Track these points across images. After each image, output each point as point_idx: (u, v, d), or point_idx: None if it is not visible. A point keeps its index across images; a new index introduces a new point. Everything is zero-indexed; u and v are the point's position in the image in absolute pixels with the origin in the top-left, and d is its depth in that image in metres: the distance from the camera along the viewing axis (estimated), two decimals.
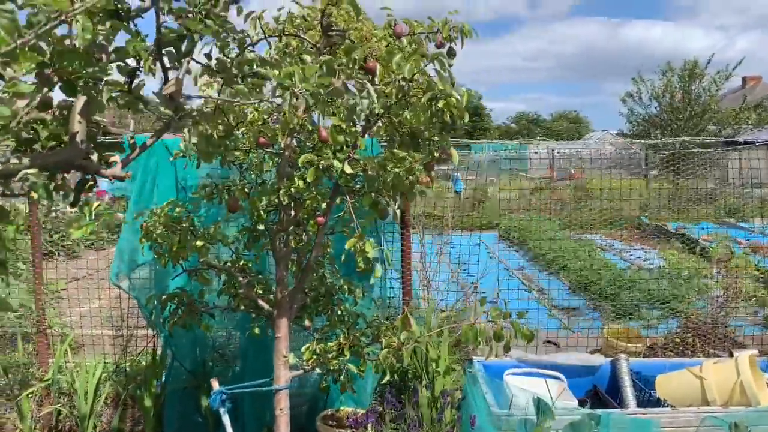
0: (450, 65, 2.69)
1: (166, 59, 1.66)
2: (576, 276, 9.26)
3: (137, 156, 1.74)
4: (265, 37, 3.03)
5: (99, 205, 1.55)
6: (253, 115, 3.00)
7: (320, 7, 2.97)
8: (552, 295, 8.98)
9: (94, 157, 1.90)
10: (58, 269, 6.78)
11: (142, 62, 1.58)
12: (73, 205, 2.01)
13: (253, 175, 3.31)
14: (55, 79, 1.49)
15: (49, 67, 1.34)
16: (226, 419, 3.14)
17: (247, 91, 2.15)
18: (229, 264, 3.48)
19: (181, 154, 3.17)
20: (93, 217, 1.51)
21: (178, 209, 3.16)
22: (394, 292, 4.53)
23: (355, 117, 2.19)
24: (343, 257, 3.24)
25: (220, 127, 2.75)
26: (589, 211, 15.30)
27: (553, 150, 17.22)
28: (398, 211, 2.93)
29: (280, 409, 3.13)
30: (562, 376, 3.87)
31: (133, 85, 1.87)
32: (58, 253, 10.83)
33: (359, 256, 2.66)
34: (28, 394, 4.00)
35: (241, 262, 3.49)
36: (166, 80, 1.69)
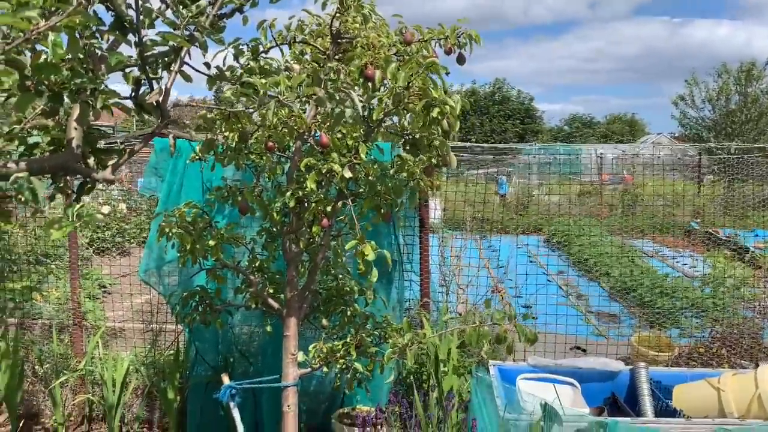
0: (445, 74, 2.73)
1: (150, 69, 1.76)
2: (616, 282, 9.08)
3: (125, 161, 1.85)
4: (277, 45, 3.13)
5: (81, 206, 1.66)
6: (271, 121, 3.11)
7: (330, 15, 3.06)
8: (590, 300, 8.86)
9: (92, 160, 2.04)
10: (111, 265, 7.12)
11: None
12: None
13: (267, 178, 3.42)
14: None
15: (30, 79, 1.45)
16: (235, 413, 3.26)
17: (244, 97, 2.26)
18: (246, 263, 3.61)
19: (197, 157, 3.31)
20: (75, 218, 1.62)
21: (193, 210, 3.29)
22: (414, 293, 4.57)
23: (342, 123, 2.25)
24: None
25: (229, 134, 2.88)
26: (638, 216, 14.96)
27: (601, 154, 16.90)
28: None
29: (288, 406, 3.23)
30: (575, 382, 3.84)
31: (140, 92, 2.00)
32: (111, 250, 11.28)
33: (358, 258, 2.72)
34: (61, 383, 4.23)
35: (257, 263, 3.61)
36: (151, 89, 1.79)
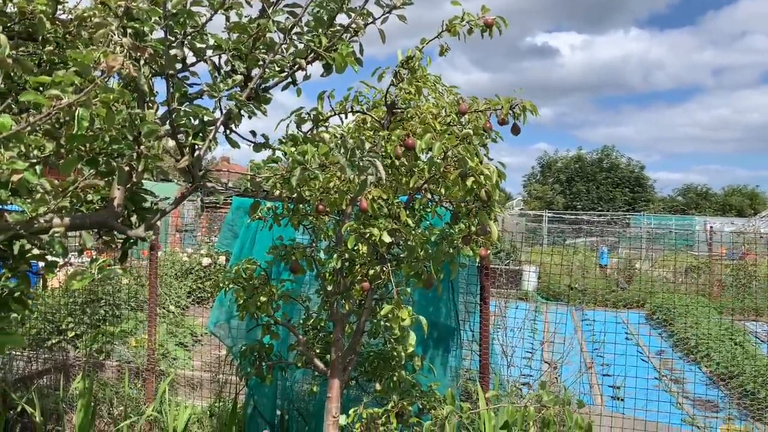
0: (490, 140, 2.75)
1: (181, 137, 1.92)
2: (717, 366, 8.38)
3: (158, 219, 2.01)
4: (336, 114, 3.30)
5: (105, 261, 1.81)
6: (333, 183, 3.25)
7: (385, 87, 3.20)
8: (688, 385, 8.21)
9: (134, 218, 2.22)
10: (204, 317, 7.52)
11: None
12: (121, 260, 2.34)
13: (322, 240, 3.54)
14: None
15: (63, 147, 1.64)
16: None
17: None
18: (300, 322, 3.70)
19: (258, 216, 3.49)
20: (97, 271, 1.77)
21: (252, 266, 3.45)
22: (475, 364, 4.46)
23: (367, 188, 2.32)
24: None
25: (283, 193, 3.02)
26: (754, 296, 13.83)
27: (712, 226, 15.94)
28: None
29: None
30: None
31: (194, 156, 2.18)
32: (209, 300, 11.85)
33: (394, 324, 2.73)
34: (131, 426, 4.45)
35: (311, 321, 3.70)
36: (182, 155, 1.95)
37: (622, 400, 6.65)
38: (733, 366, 7.83)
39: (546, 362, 6.29)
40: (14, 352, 5.79)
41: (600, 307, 14.10)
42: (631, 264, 16.71)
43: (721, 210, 43.79)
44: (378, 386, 3.58)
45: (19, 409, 4.87)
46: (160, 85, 2.34)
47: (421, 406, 3.30)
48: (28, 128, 1.45)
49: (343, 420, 3.29)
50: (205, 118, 1.93)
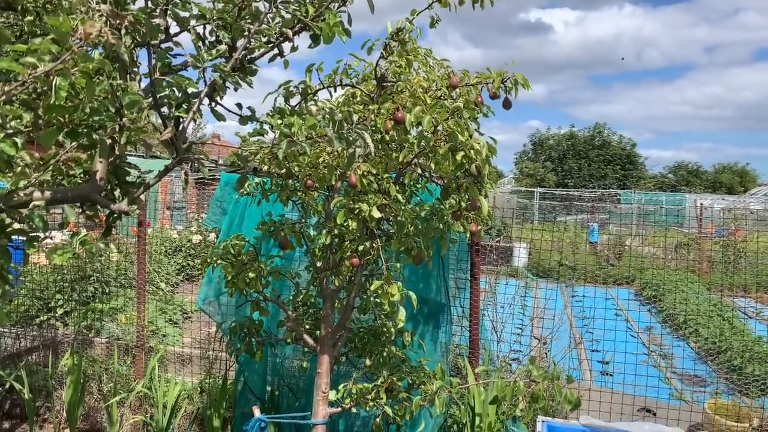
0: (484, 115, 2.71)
1: (164, 109, 1.87)
2: (705, 342, 8.46)
3: (141, 193, 1.97)
4: (325, 87, 3.24)
5: (85, 235, 1.77)
6: (322, 159, 3.20)
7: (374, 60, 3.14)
8: (675, 360, 8.29)
9: (118, 192, 2.18)
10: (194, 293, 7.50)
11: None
12: (104, 235, 2.29)
13: (312, 215, 3.50)
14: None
15: (41, 118, 1.59)
16: None
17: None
18: (290, 298, 3.68)
19: (246, 192, 3.44)
20: (78, 245, 1.73)
21: (240, 242, 3.41)
22: (465, 339, 4.47)
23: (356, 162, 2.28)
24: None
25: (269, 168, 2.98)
26: (743, 272, 13.94)
27: (702, 204, 16.00)
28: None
29: None
30: None
31: (179, 128, 2.13)
32: (199, 278, 11.82)
33: (384, 299, 2.71)
34: (121, 402, 4.44)
35: (301, 297, 3.68)
36: (165, 127, 1.90)
37: (610, 375, 6.71)
38: (721, 342, 7.91)
39: (535, 338, 6.34)
40: (2, 329, 5.75)
41: (590, 283, 14.19)
42: (621, 241, 16.79)
43: (711, 188, 43.98)
44: (368, 362, 3.57)
45: (7, 386, 4.85)
46: (142, 58, 2.28)
47: (410, 382, 3.29)
48: (3, 98, 1.40)
49: (332, 395, 3.29)
50: (189, 90, 1.88)
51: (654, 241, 16.18)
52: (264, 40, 2.25)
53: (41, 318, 6.73)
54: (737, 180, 46.03)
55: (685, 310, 10.36)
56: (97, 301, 7.40)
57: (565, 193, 33.11)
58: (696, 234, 15.86)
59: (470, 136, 2.48)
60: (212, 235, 12.97)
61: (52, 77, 1.48)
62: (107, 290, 7.84)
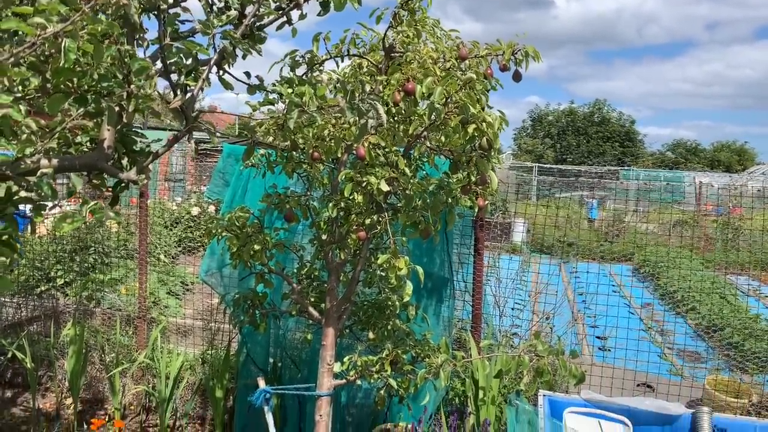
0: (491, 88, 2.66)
1: (174, 76, 1.83)
2: (702, 318, 8.51)
3: (150, 162, 1.93)
4: (332, 57, 3.18)
5: (96, 204, 1.74)
6: (328, 131, 3.15)
7: (383, 30, 3.07)
8: (674, 337, 8.34)
9: (125, 161, 2.14)
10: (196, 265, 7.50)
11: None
12: (112, 204, 2.26)
13: (318, 188, 3.47)
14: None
15: (49, 82, 1.55)
16: (269, 417, 3.30)
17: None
18: (294, 271, 3.66)
19: (251, 163, 3.40)
20: (86, 214, 1.70)
21: (245, 214, 3.38)
22: (467, 314, 4.48)
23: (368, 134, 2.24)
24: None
25: (276, 140, 2.94)
26: (741, 250, 13.98)
27: (701, 182, 15.99)
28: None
29: (320, 415, 3.23)
30: (627, 421, 3.61)
31: (186, 96, 2.09)
32: (199, 250, 11.81)
33: (391, 273, 2.69)
34: (123, 372, 4.45)
35: (305, 270, 3.66)
36: (175, 95, 1.86)
37: (609, 350, 6.75)
38: (719, 319, 7.96)
39: (535, 313, 6.35)
40: (3, 299, 5.74)
41: (588, 260, 14.22)
42: (620, 218, 16.80)
43: (709, 165, 43.93)
44: (371, 335, 3.57)
45: (9, 355, 4.85)
46: (151, 26, 2.22)
47: (414, 355, 3.30)
48: (11, 59, 1.36)
49: (337, 367, 3.29)
50: (199, 56, 1.84)
51: (656, 218, 16.19)
52: (273, 6, 2.19)
53: (41, 288, 6.72)
54: (735, 158, 45.98)
55: (683, 288, 10.41)
56: (97, 271, 7.40)
57: (564, 168, 33.02)
58: (695, 212, 15.86)
59: (482, 109, 2.43)
60: (211, 208, 12.94)
61: (60, 39, 1.43)
62: (107, 261, 7.83)
